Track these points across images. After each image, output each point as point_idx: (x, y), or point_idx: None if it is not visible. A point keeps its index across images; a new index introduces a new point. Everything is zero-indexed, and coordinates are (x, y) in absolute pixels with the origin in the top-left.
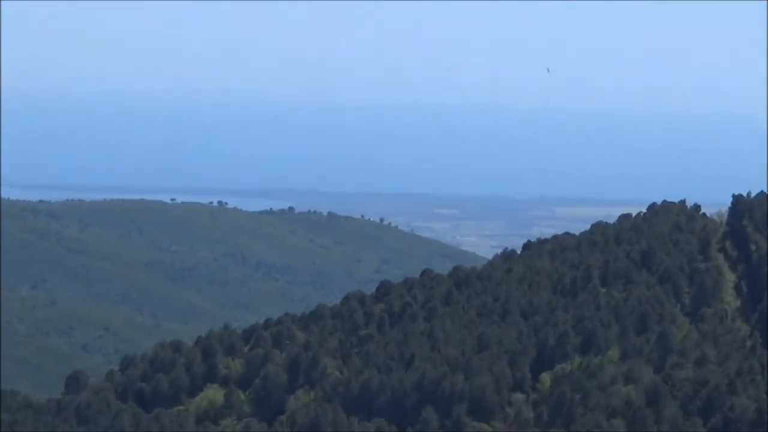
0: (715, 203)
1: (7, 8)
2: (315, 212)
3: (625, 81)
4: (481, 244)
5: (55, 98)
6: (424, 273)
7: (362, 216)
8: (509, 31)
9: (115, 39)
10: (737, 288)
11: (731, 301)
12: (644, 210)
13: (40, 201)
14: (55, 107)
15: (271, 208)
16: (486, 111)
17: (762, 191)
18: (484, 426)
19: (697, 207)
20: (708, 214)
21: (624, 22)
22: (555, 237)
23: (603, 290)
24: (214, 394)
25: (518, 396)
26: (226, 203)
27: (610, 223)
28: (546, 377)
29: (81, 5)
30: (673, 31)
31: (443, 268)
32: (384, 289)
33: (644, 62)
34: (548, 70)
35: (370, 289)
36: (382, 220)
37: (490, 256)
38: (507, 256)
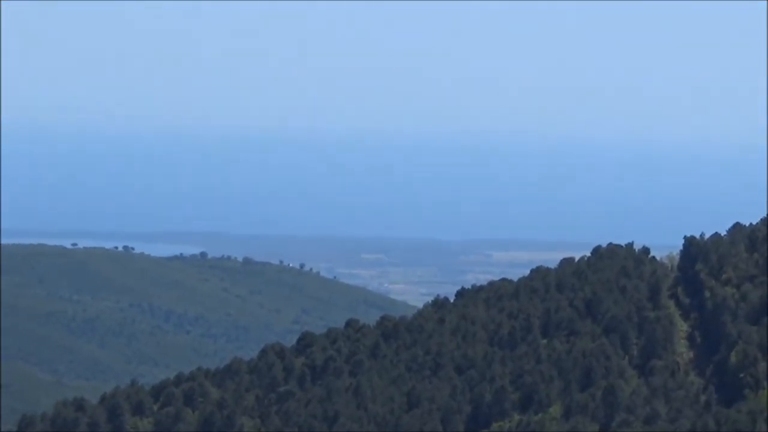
0: (666, 246)
1: None
2: (229, 258)
3: (571, 111)
4: (411, 291)
5: None
6: (348, 323)
7: (281, 261)
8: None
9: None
10: (690, 338)
11: (683, 352)
12: (588, 254)
13: None
14: None
15: (181, 254)
16: (413, 141)
17: (716, 233)
18: None
19: (646, 250)
20: (658, 258)
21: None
22: (491, 283)
23: (544, 341)
24: None
25: None
26: (132, 248)
27: (551, 269)
28: None
29: None
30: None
31: (370, 318)
32: (305, 341)
33: (593, 90)
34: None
35: (290, 342)
36: (302, 266)
37: (420, 305)
38: (439, 304)
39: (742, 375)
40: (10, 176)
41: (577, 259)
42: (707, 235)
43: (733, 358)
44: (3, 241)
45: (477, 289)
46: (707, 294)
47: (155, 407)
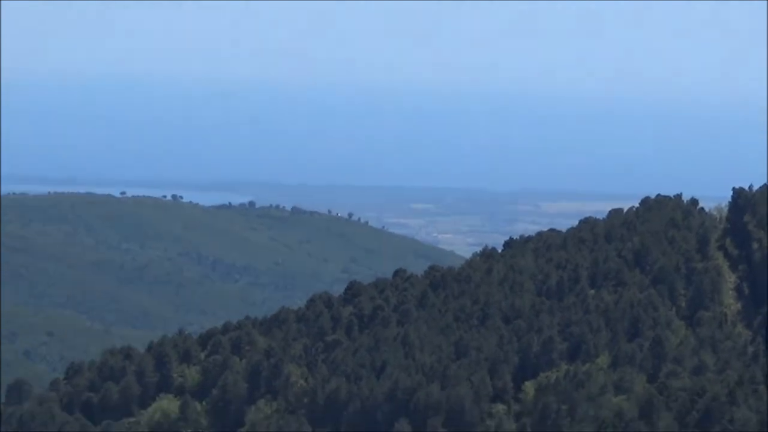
0: (715, 197)
1: None
2: (277, 207)
3: (617, 68)
4: (459, 241)
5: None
6: (396, 273)
7: (329, 211)
8: (488, 19)
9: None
10: (738, 290)
11: (731, 304)
12: (637, 205)
13: None
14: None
15: (229, 203)
16: (463, 96)
17: (765, 184)
18: None
19: (694, 201)
20: (706, 209)
21: (619, 11)
22: (539, 234)
23: (592, 292)
24: (167, 404)
25: (499, 407)
26: (181, 197)
27: (599, 219)
28: (529, 386)
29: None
30: (670, 20)
31: (418, 267)
32: (353, 291)
33: (637, 48)
34: None
35: (337, 291)
36: (350, 215)
37: (468, 255)
38: (487, 254)
39: None
40: (59, 125)
41: (625, 210)
42: (756, 187)
43: None
44: (52, 190)
45: (525, 240)
46: (755, 245)
47: (202, 355)
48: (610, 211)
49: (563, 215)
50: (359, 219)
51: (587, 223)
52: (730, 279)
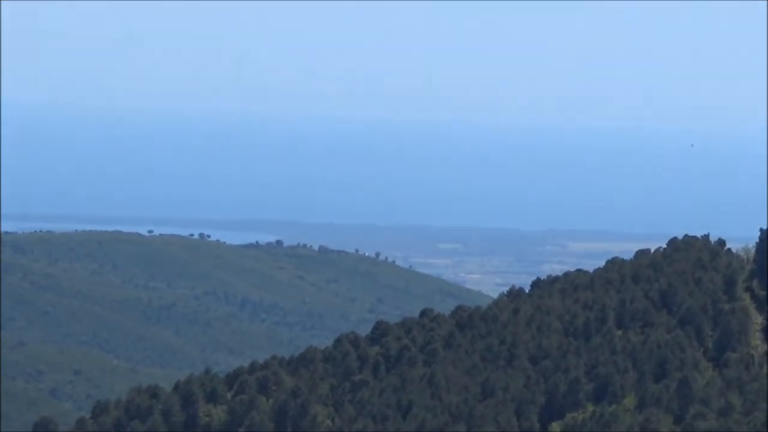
0: (742, 238)
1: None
2: (305, 246)
3: (645, 100)
4: (486, 281)
5: (29, 116)
6: (423, 313)
7: (356, 250)
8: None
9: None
10: (765, 331)
11: (758, 345)
12: (664, 245)
13: (6, 232)
14: (25, 126)
15: (257, 242)
16: (488, 136)
17: None
18: None
19: (721, 242)
20: (734, 250)
21: (638, 39)
22: (566, 274)
23: (619, 333)
24: None
25: None
26: (208, 236)
27: (626, 260)
28: (556, 427)
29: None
30: (694, 49)
31: (445, 307)
32: (380, 331)
33: (661, 81)
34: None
35: (364, 331)
36: (378, 255)
37: (495, 295)
38: (514, 294)
39: None
40: (86, 163)
41: (652, 251)
42: None
43: None
44: (78, 228)
45: (552, 280)
46: None
47: (229, 395)
48: (636, 252)
49: (590, 255)
50: (386, 258)
51: (614, 263)
52: (757, 320)
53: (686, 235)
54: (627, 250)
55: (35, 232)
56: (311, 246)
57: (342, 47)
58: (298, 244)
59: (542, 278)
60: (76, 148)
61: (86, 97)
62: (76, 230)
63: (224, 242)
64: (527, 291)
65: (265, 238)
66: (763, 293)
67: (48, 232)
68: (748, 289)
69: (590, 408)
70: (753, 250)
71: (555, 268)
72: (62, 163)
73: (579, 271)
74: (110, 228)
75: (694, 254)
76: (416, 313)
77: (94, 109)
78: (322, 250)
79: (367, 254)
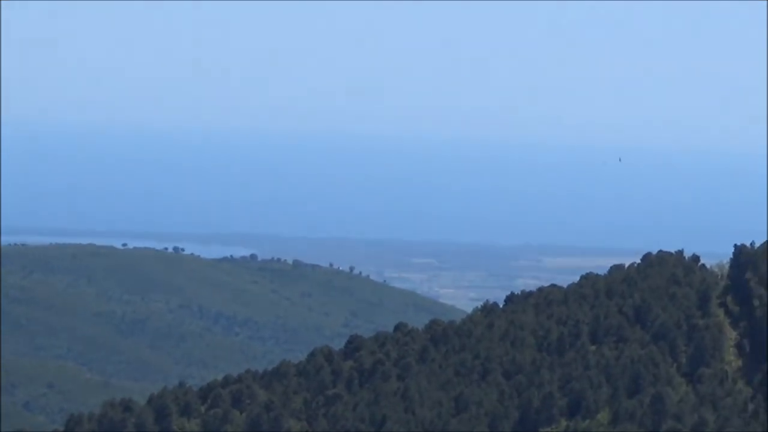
0: (716, 254)
1: None
2: (279, 260)
3: (618, 117)
4: (460, 296)
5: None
6: (397, 327)
7: (331, 264)
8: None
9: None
10: (739, 346)
11: (732, 360)
12: (638, 261)
13: None
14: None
15: (231, 256)
16: (468, 148)
17: (766, 241)
18: None
19: (695, 258)
20: (708, 266)
21: (617, 57)
22: (540, 289)
23: (593, 348)
24: None
25: None
26: (183, 249)
27: (600, 275)
28: None
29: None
30: (672, 64)
31: (419, 321)
32: (354, 345)
33: (636, 97)
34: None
35: (338, 345)
36: (352, 269)
37: (469, 310)
38: (488, 309)
39: None
40: (60, 177)
41: (626, 266)
42: (757, 244)
43: None
44: (53, 240)
45: (526, 295)
46: (756, 302)
47: (203, 408)
48: (611, 267)
49: (564, 271)
50: (360, 273)
51: (588, 278)
52: (731, 336)
53: (660, 251)
54: (601, 265)
55: (10, 245)
56: (285, 260)
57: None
58: (273, 258)
59: (516, 293)
60: (52, 163)
61: (58, 111)
62: (50, 243)
63: (199, 256)
64: (501, 306)
65: (240, 251)
66: (737, 309)
67: (23, 245)
68: (722, 304)
69: (564, 423)
70: (727, 266)
71: (529, 283)
72: (38, 178)
73: (553, 286)
74: (84, 241)
75: (668, 270)
76: (390, 328)
77: (69, 124)
78: (297, 264)
79: (341, 268)
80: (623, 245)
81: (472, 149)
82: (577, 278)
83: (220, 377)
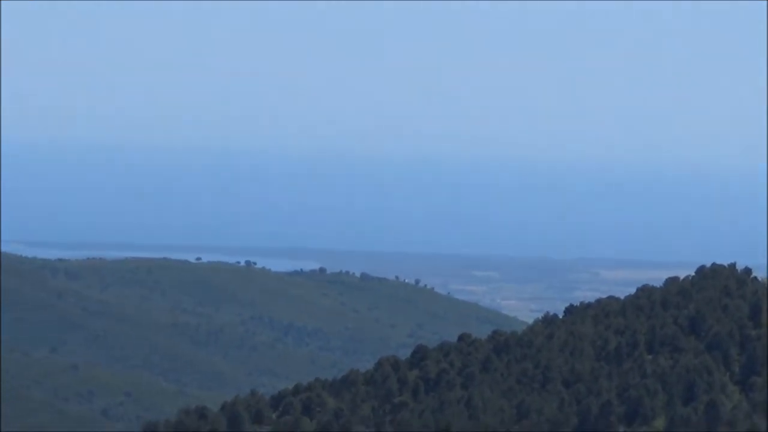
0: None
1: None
2: (347, 273)
3: (670, 132)
4: (521, 307)
5: (70, 152)
6: (461, 338)
7: (396, 277)
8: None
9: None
10: None
11: None
12: (692, 273)
13: (59, 259)
14: (72, 161)
15: (301, 269)
16: (524, 166)
17: None
18: None
19: (747, 271)
20: (759, 278)
21: (670, 66)
22: (598, 301)
23: (649, 357)
24: None
25: None
26: (254, 263)
27: (656, 287)
28: None
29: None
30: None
31: (482, 332)
32: (419, 354)
33: (679, 112)
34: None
35: (404, 355)
36: (417, 281)
37: (530, 320)
38: (548, 320)
39: None
40: (135, 192)
41: (681, 279)
42: None
43: None
44: (129, 255)
45: (585, 306)
46: None
47: (274, 416)
48: (666, 279)
49: (621, 283)
50: (425, 285)
51: (644, 290)
52: None
53: (714, 264)
54: (657, 278)
55: (88, 259)
56: (353, 273)
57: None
58: (341, 271)
59: (575, 305)
60: (127, 179)
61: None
62: (126, 257)
63: (270, 269)
64: (561, 317)
65: (309, 265)
66: None
67: (100, 259)
68: None
69: (622, 429)
70: None
71: (587, 294)
72: (114, 193)
73: (611, 297)
74: (159, 255)
75: (721, 282)
76: (454, 338)
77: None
78: (364, 277)
79: (407, 281)
80: (679, 258)
81: (531, 167)
82: (633, 290)
83: (290, 386)
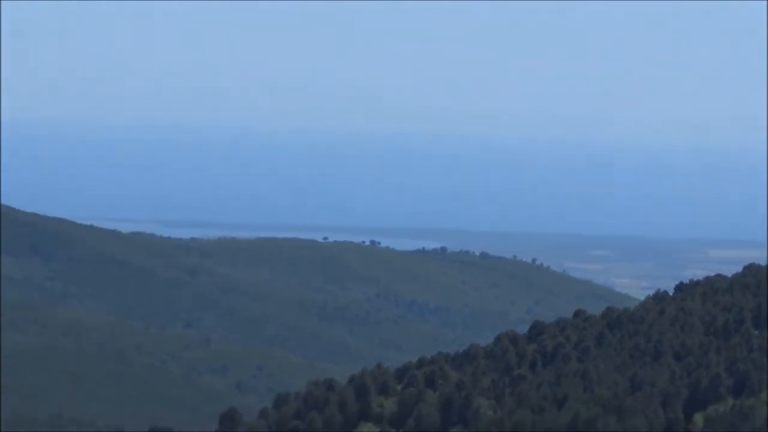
0: None
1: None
2: (467, 252)
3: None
4: (634, 285)
5: (212, 134)
6: (576, 314)
7: (514, 256)
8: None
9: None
10: None
11: None
12: None
13: (192, 239)
14: (214, 143)
15: (423, 248)
16: (636, 150)
17: None
18: None
19: None
20: None
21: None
22: (707, 279)
23: (756, 333)
24: None
25: None
26: (379, 242)
27: (762, 266)
28: (699, 419)
29: None
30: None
31: (596, 309)
32: (536, 330)
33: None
34: None
35: (522, 330)
36: (534, 260)
37: (642, 298)
38: (659, 297)
39: None
40: (271, 175)
41: None
42: None
43: None
44: (259, 235)
45: (694, 284)
46: None
47: (399, 388)
48: None
49: (728, 262)
50: (542, 264)
51: (751, 269)
52: None
53: None
54: (762, 256)
55: (220, 238)
56: (473, 252)
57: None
58: (461, 250)
59: (685, 282)
60: (251, 164)
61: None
62: (257, 237)
63: (393, 249)
64: (671, 294)
65: (431, 245)
66: None
67: (232, 238)
68: None
69: (730, 401)
70: None
71: (697, 273)
72: (249, 177)
73: (719, 276)
74: (289, 235)
75: None
76: (570, 314)
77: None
78: (484, 255)
79: (524, 260)
80: None
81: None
82: (740, 269)
83: (414, 360)
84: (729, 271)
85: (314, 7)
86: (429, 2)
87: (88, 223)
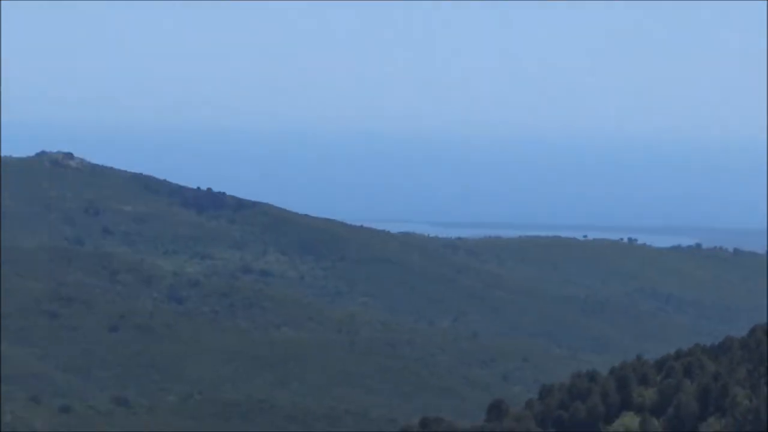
0: None
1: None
2: (721, 248)
3: None
4: None
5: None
6: None
7: None
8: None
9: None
10: None
11: None
12: None
13: (458, 238)
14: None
15: (678, 245)
16: None
17: None
18: None
19: None
20: None
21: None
22: None
23: None
24: (629, 421)
25: None
26: (636, 240)
27: None
28: None
29: None
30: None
31: None
32: None
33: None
34: None
35: None
36: None
37: None
38: None
39: None
40: (536, 179)
41: None
42: None
43: None
44: (523, 234)
45: None
46: None
47: (658, 378)
48: None
49: None
50: None
51: None
52: None
53: None
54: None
55: (486, 237)
56: (727, 248)
57: None
58: (715, 246)
59: None
60: (514, 168)
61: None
62: (520, 236)
63: (650, 245)
64: None
65: (686, 241)
66: None
67: (497, 237)
68: None
69: None
70: None
71: None
72: (513, 180)
73: None
74: (551, 234)
75: None
76: None
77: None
78: (737, 252)
79: None
80: None
81: None
82: None
83: (672, 351)
84: None
85: None
86: None
87: (358, 224)
